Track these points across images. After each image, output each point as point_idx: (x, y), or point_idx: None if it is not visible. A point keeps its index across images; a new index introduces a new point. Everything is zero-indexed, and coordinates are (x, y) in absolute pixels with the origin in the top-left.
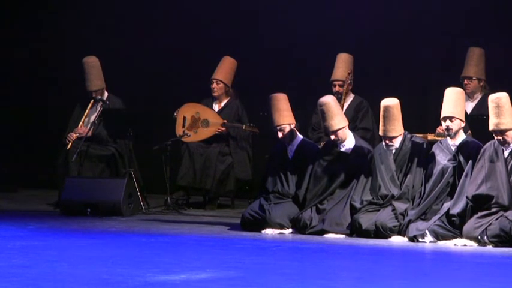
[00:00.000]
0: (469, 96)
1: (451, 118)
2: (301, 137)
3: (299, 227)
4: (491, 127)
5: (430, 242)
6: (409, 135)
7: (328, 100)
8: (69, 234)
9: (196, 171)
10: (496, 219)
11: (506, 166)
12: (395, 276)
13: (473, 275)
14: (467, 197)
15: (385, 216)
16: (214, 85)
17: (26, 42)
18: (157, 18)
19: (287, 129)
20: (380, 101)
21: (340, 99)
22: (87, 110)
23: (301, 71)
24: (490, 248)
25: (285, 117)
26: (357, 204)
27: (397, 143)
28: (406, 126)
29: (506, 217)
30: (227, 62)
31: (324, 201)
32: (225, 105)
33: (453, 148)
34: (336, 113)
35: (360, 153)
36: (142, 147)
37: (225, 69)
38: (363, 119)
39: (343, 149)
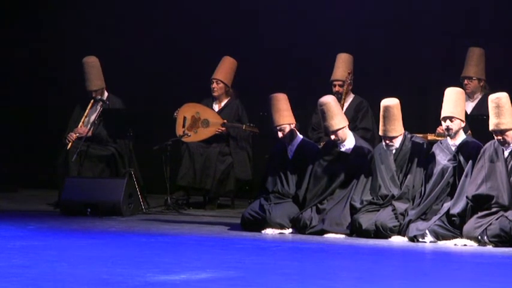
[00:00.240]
0: (469, 96)
1: (451, 118)
2: (301, 137)
3: (299, 227)
4: (491, 127)
5: (430, 242)
6: (409, 135)
7: (329, 100)
8: (69, 234)
9: (196, 171)
10: (496, 219)
11: (506, 166)
12: (395, 276)
13: (473, 275)
14: (467, 197)
15: (385, 216)
16: (214, 85)
17: (26, 42)
18: (157, 18)
19: (287, 129)
20: (380, 101)
21: (340, 99)
22: (87, 110)
23: (301, 71)
24: (490, 248)
25: (285, 117)
26: (357, 204)
27: (397, 143)
28: (406, 126)
29: (506, 217)
30: (227, 62)
31: (324, 201)
32: (225, 105)
33: (453, 148)
34: (336, 113)
35: (360, 153)
36: (142, 147)
37: (225, 69)
38: (363, 119)
39: (343, 149)
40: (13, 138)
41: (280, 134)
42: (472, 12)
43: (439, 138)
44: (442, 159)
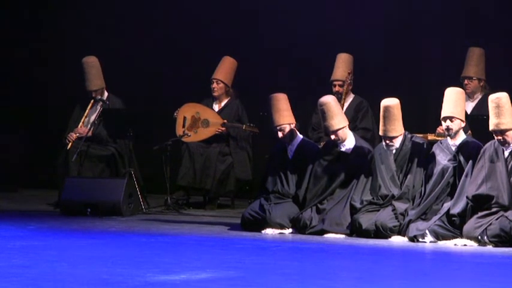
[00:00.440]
0: (469, 96)
1: (451, 118)
2: (301, 136)
3: (299, 227)
4: (491, 127)
5: (430, 242)
6: (409, 135)
7: (329, 100)
8: (69, 234)
9: (196, 171)
10: (496, 219)
11: (506, 166)
12: (395, 276)
13: (473, 275)
14: (467, 197)
15: (385, 216)
16: (215, 85)
17: (26, 42)
18: (157, 18)
19: (287, 129)
20: (380, 101)
21: (340, 99)
22: (87, 110)
23: (301, 71)
24: (490, 248)
25: (285, 117)
26: (357, 204)
27: (397, 143)
28: (406, 126)
29: (506, 217)
30: (227, 62)
31: (324, 201)
32: (225, 105)
33: (453, 148)
34: (336, 112)
35: (360, 153)
36: (142, 147)
37: (225, 69)
38: (363, 119)
39: (343, 149)
40: (13, 138)
41: (280, 134)
42: (472, 12)
43: (439, 138)
44: (442, 159)
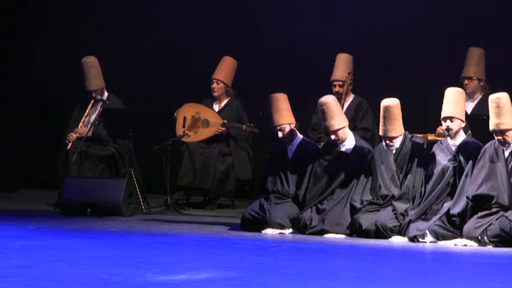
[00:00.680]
0: (469, 96)
1: (451, 118)
2: (301, 136)
3: (299, 227)
4: (491, 127)
5: (430, 242)
6: (409, 135)
7: (329, 100)
8: (69, 234)
9: (196, 171)
10: (496, 219)
11: (506, 166)
12: (395, 276)
13: (473, 275)
14: (467, 197)
15: (385, 216)
16: (215, 85)
17: (26, 42)
18: (157, 18)
19: (287, 129)
20: (380, 101)
21: (340, 99)
22: (87, 110)
23: (301, 71)
24: (490, 248)
25: (285, 117)
26: (357, 204)
27: (397, 143)
28: (406, 126)
29: (506, 217)
30: (227, 62)
31: (324, 201)
32: (225, 105)
33: (453, 148)
34: (336, 112)
35: (360, 153)
36: (143, 147)
37: (225, 69)
38: (363, 119)
39: (343, 149)
40: (13, 138)
41: (280, 134)
42: (472, 12)
43: (439, 138)
44: (442, 160)
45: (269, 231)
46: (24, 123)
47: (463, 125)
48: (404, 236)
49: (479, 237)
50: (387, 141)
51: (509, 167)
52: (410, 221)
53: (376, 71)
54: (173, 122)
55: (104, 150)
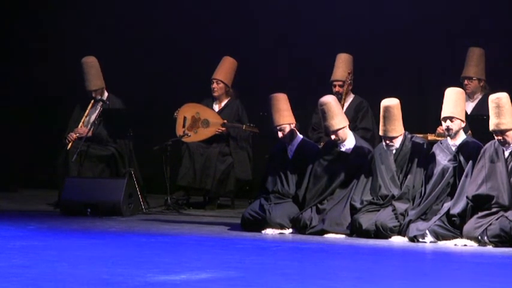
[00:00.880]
0: (469, 96)
1: (451, 118)
2: (301, 136)
3: (299, 227)
4: (491, 127)
5: (430, 242)
6: (409, 136)
7: (329, 100)
8: (69, 234)
9: (196, 171)
10: (496, 219)
11: (506, 166)
12: (395, 276)
13: (473, 275)
14: (467, 197)
15: (385, 216)
16: (215, 85)
17: (26, 42)
18: (157, 18)
19: (287, 129)
20: (380, 101)
21: (340, 99)
22: (87, 110)
23: (301, 71)
24: (490, 248)
25: (285, 117)
26: (357, 204)
27: (397, 143)
28: (406, 126)
29: (506, 217)
30: (227, 62)
31: (324, 201)
32: (225, 105)
33: (453, 148)
34: (336, 112)
35: (360, 153)
36: (143, 147)
37: (225, 69)
38: (363, 119)
39: (343, 149)
40: (13, 138)
41: (280, 134)
42: (472, 12)
43: (439, 139)
44: (442, 160)
45: (269, 231)
46: (24, 123)
47: (463, 125)
48: (404, 236)
49: (479, 237)
50: (387, 141)
51: (509, 167)
52: (410, 221)
53: (376, 71)
54: (173, 122)
55: (104, 150)
